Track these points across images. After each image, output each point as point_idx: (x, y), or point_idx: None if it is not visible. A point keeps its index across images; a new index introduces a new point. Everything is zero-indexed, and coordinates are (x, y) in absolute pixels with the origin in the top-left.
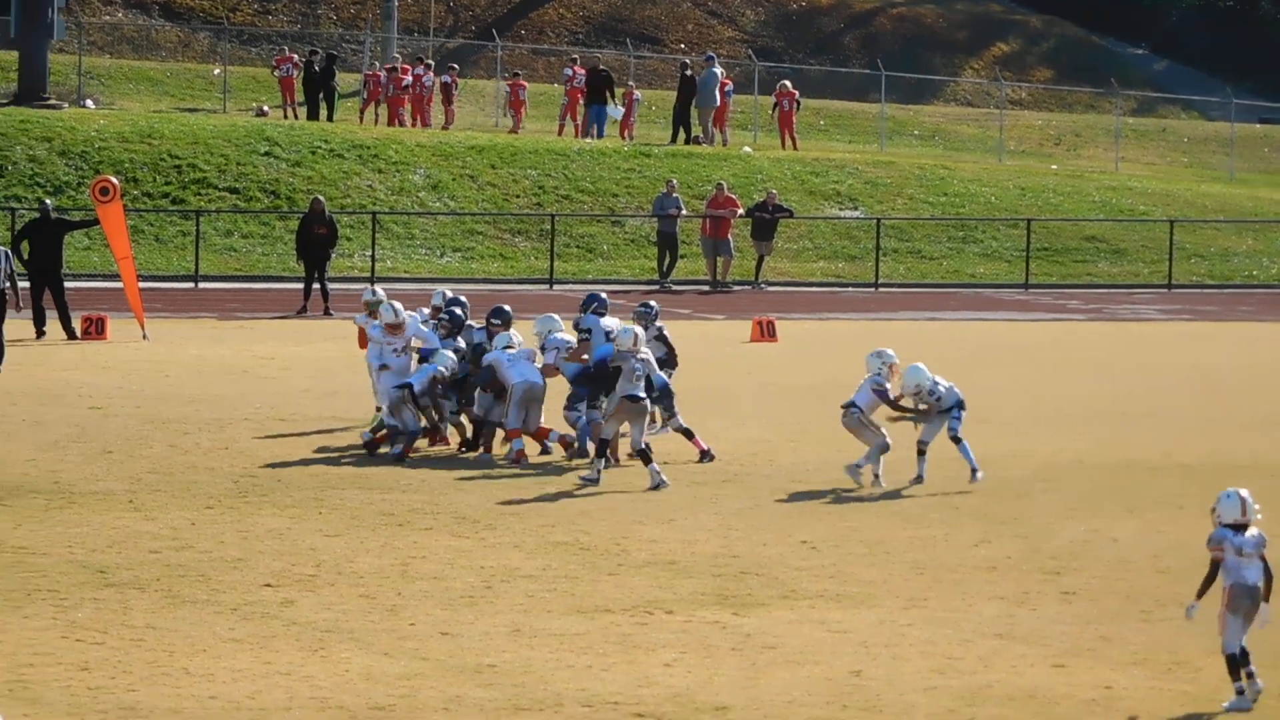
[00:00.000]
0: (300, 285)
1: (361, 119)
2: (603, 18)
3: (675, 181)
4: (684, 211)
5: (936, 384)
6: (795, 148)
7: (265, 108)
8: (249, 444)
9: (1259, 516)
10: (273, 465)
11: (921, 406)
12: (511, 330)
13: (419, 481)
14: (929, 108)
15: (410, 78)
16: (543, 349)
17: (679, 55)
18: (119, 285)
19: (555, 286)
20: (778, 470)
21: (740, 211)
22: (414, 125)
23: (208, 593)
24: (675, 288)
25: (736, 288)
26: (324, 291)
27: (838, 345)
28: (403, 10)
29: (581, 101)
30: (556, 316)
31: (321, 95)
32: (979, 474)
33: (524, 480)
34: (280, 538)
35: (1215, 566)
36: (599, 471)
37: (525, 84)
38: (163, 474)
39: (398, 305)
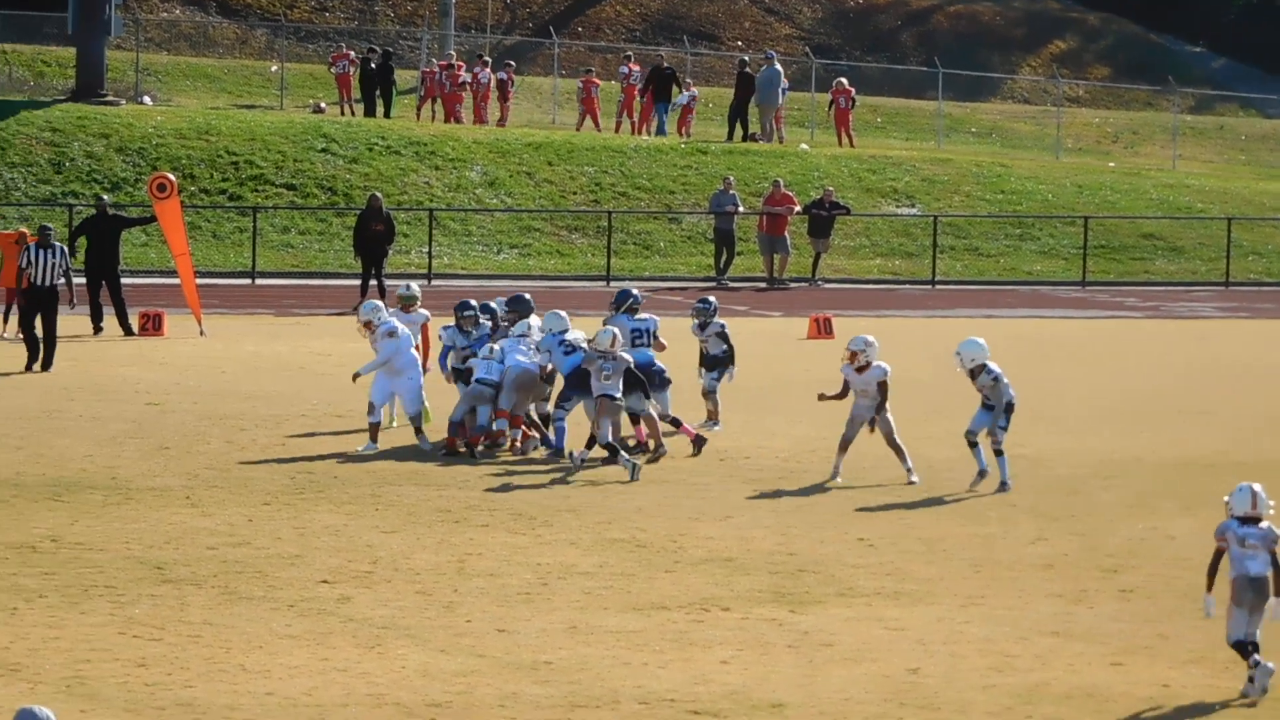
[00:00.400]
0: (357, 282)
1: (419, 116)
2: (660, 15)
3: (732, 179)
4: (741, 209)
5: (999, 375)
6: (852, 145)
7: (322, 104)
8: (305, 440)
9: (1271, 511)
10: (329, 461)
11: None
12: (530, 320)
13: (476, 478)
14: (986, 105)
15: (467, 75)
16: (537, 347)
17: (736, 53)
18: (176, 281)
19: (612, 283)
20: (828, 468)
21: (797, 209)
22: (473, 122)
23: (265, 589)
24: (732, 285)
25: (793, 285)
26: (381, 288)
27: (894, 342)
28: (460, 7)
29: (639, 98)
30: (564, 314)
31: (378, 92)
32: (1007, 485)
33: (581, 477)
34: (337, 534)
35: (1218, 556)
36: (632, 464)
37: (598, 81)
38: (220, 470)
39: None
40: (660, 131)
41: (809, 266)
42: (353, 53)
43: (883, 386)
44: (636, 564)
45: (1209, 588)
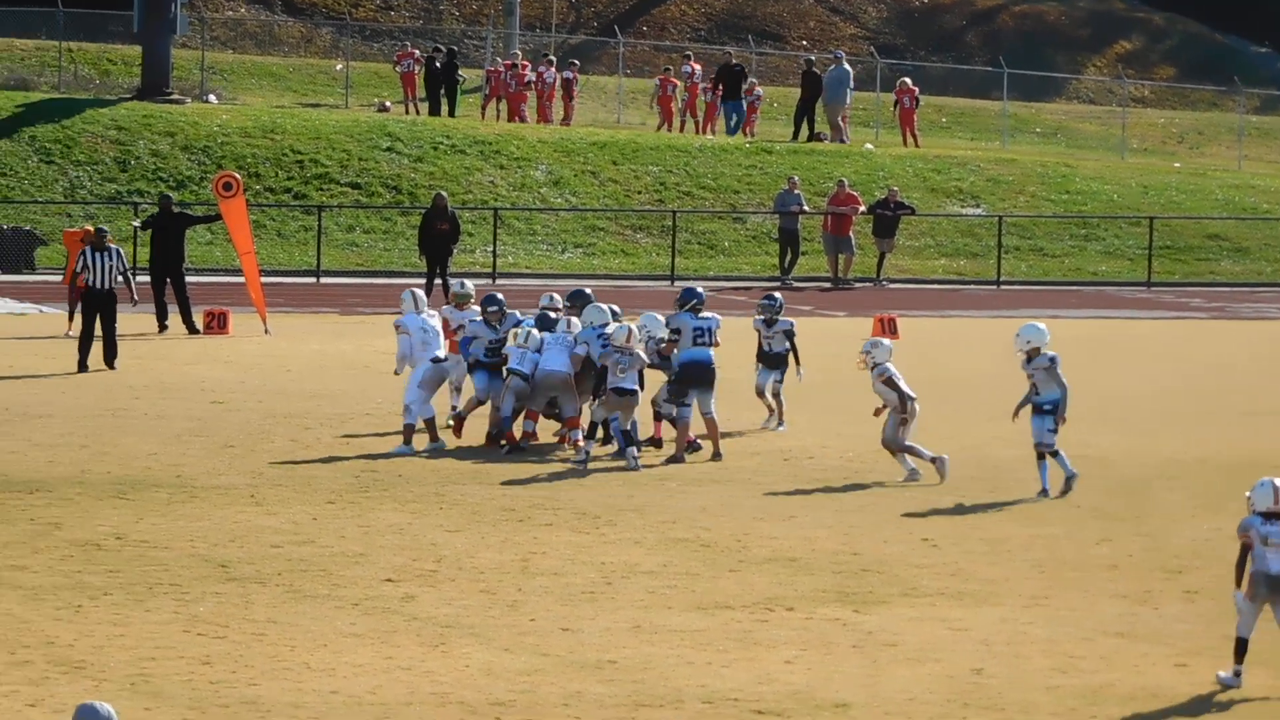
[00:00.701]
0: (422, 281)
1: (483, 115)
2: (725, 14)
3: (797, 178)
4: (805, 208)
5: (1056, 360)
6: (916, 145)
7: (387, 103)
8: (370, 439)
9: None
10: (394, 460)
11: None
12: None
13: (540, 477)
14: (1051, 105)
15: (532, 74)
16: (576, 340)
17: (801, 52)
18: (241, 280)
19: (676, 282)
20: (898, 468)
21: (862, 208)
22: (538, 121)
23: (329, 587)
24: (797, 284)
25: (858, 285)
26: (445, 287)
27: (959, 343)
28: (525, 6)
29: (703, 96)
30: (606, 308)
31: (443, 91)
32: (1046, 493)
33: (644, 476)
34: (401, 533)
35: (1244, 552)
36: (634, 457)
37: (675, 80)
38: (284, 468)
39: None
40: (731, 131)
41: (874, 266)
42: (418, 51)
43: (889, 383)
44: (700, 563)
45: (1238, 583)
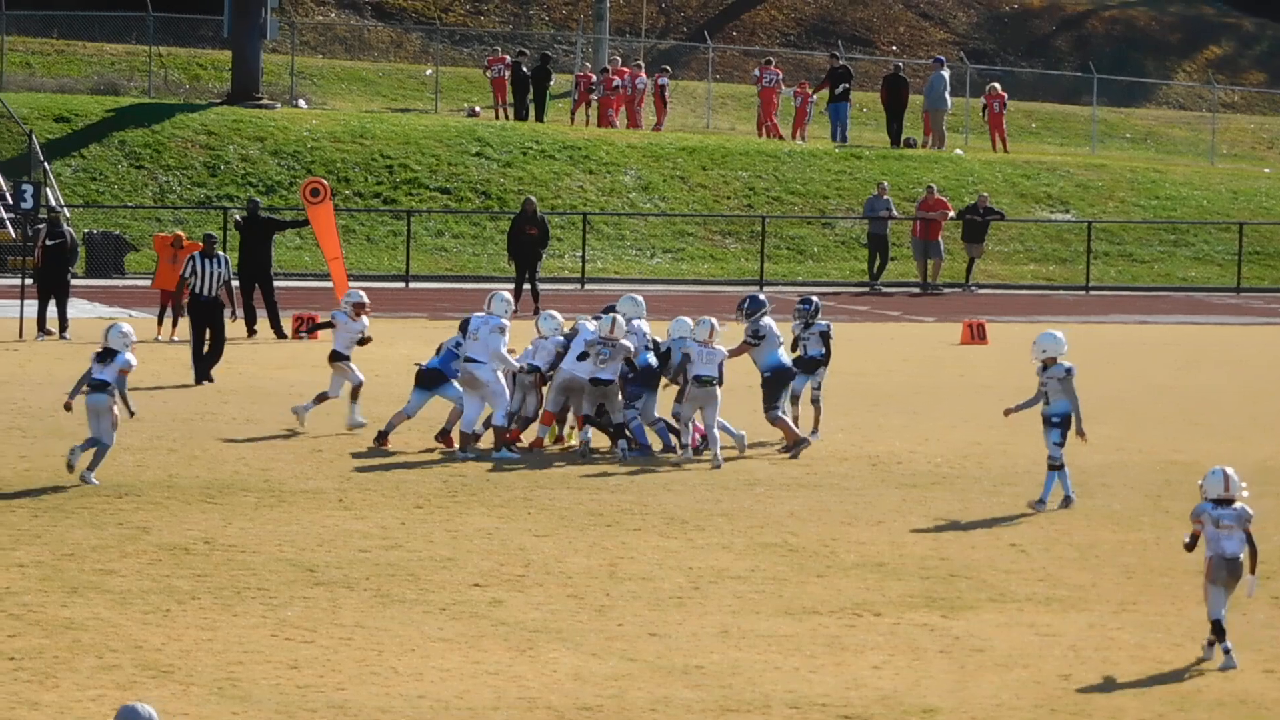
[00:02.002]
0: (511, 286)
1: (572, 120)
2: (814, 19)
3: (886, 184)
4: (895, 213)
5: (1071, 371)
6: (1005, 150)
7: (477, 108)
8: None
9: (1244, 494)
10: (482, 464)
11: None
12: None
13: (628, 482)
14: (1141, 110)
15: (622, 79)
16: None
17: (891, 57)
18: (330, 285)
19: (765, 288)
20: (987, 473)
21: (951, 214)
22: (628, 127)
23: (417, 592)
24: (886, 290)
25: (947, 290)
26: (534, 292)
27: None
28: (614, 11)
29: (792, 101)
30: (640, 298)
31: (530, 96)
32: (1043, 504)
33: (732, 481)
34: (489, 537)
35: (1194, 538)
36: (623, 452)
37: (811, 94)
38: (372, 473)
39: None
40: (840, 136)
41: (963, 272)
42: (508, 56)
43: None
44: (789, 568)
45: (1189, 547)
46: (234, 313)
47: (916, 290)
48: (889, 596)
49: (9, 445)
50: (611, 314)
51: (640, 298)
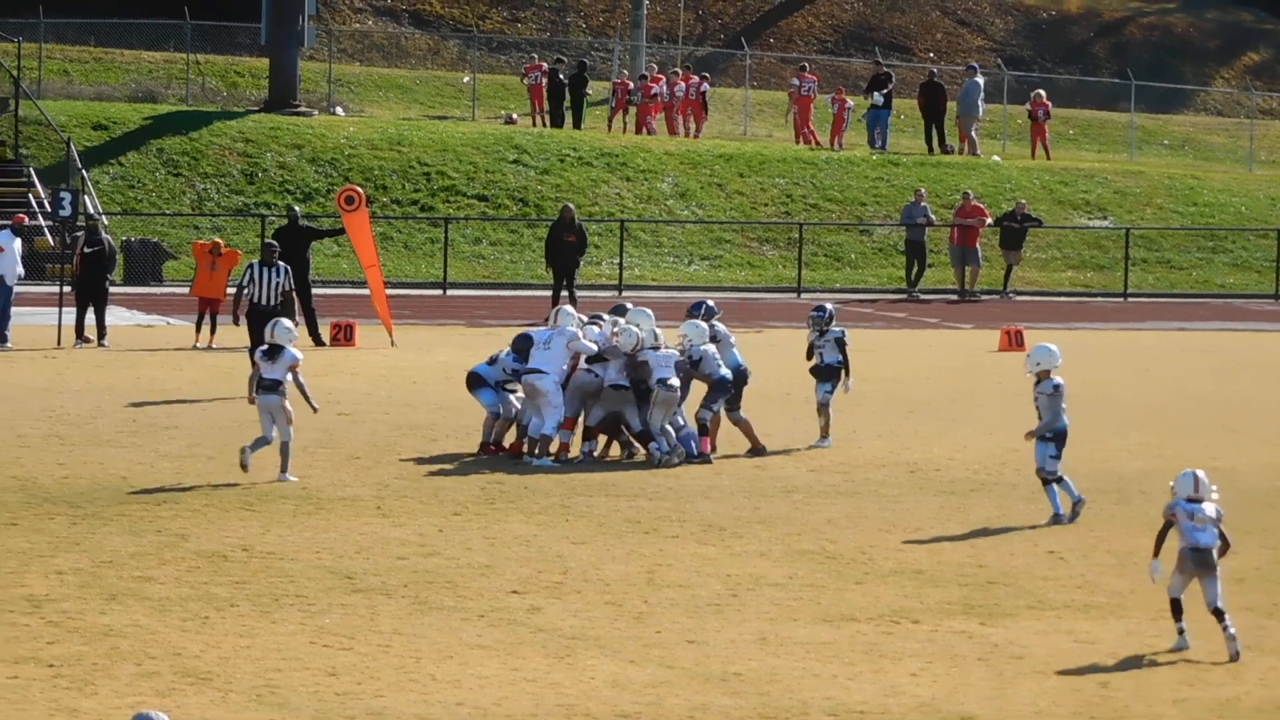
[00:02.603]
0: (548, 293)
1: (610, 127)
2: (852, 26)
3: (923, 190)
4: (932, 220)
5: (1059, 388)
6: (1047, 157)
7: (514, 115)
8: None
9: (1215, 496)
10: (519, 472)
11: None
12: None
13: (666, 489)
14: (1179, 117)
15: (660, 86)
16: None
17: (928, 64)
18: (367, 292)
19: (803, 295)
20: (1025, 480)
21: (988, 220)
22: (672, 134)
23: (455, 599)
24: (923, 297)
25: (985, 297)
26: (572, 299)
27: (1086, 355)
28: (652, 18)
29: (829, 109)
30: (648, 311)
31: (567, 104)
32: (1061, 517)
33: (770, 488)
34: (527, 544)
35: (1166, 528)
36: (659, 453)
37: (848, 101)
38: (410, 480)
39: None
40: (878, 144)
41: (1000, 279)
42: (545, 64)
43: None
44: (827, 575)
45: (1156, 554)
46: (295, 322)
47: (954, 297)
48: (927, 603)
49: (47, 453)
50: (621, 321)
51: (648, 310)
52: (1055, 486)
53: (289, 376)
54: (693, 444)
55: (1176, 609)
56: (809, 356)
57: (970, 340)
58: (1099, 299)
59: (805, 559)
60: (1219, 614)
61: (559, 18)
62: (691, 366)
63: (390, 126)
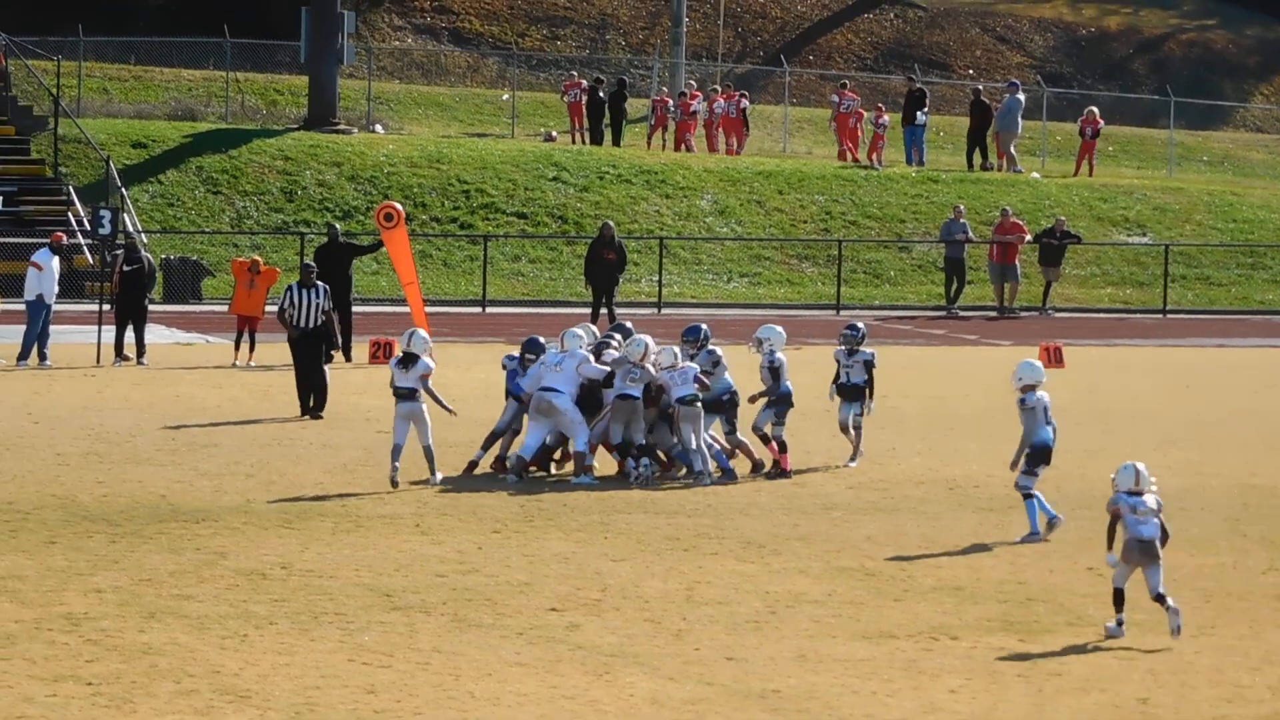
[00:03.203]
0: (588, 310)
1: (649, 144)
2: (891, 43)
3: (962, 207)
4: (971, 237)
5: (1038, 406)
6: (1091, 174)
7: (553, 133)
8: (533, 468)
9: (1154, 488)
10: (559, 489)
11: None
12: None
13: (705, 506)
14: (1218, 133)
15: (698, 103)
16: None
17: (968, 81)
18: (406, 309)
19: (842, 312)
20: (1064, 496)
21: (1028, 237)
22: (712, 151)
23: (494, 616)
24: (963, 314)
25: (1024, 313)
26: (611, 316)
27: (1125, 371)
28: (691, 36)
29: (870, 126)
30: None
31: (606, 121)
32: (1037, 534)
33: (809, 505)
34: (566, 562)
35: (1114, 521)
36: (639, 474)
37: (862, 112)
38: (449, 497)
39: None
40: (916, 160)
41: (1040, 295)
42: (585, 81)
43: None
44: (866, 592)
45: (1109, 547)
46: (335, 343)
47: (994, 314)
48: (966, 620)
49: (87, 471)
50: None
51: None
52: (1035, 503)
53: (421, 385)
54: (724, 459)
55: (1119, 598)
56: (836, 377)
57: (1009, 357)
58: (1138, 315)
59: (844, 576)
60: (1160, 599)
61: (598, 35)
62: (771, 374)
63: (430, 144)
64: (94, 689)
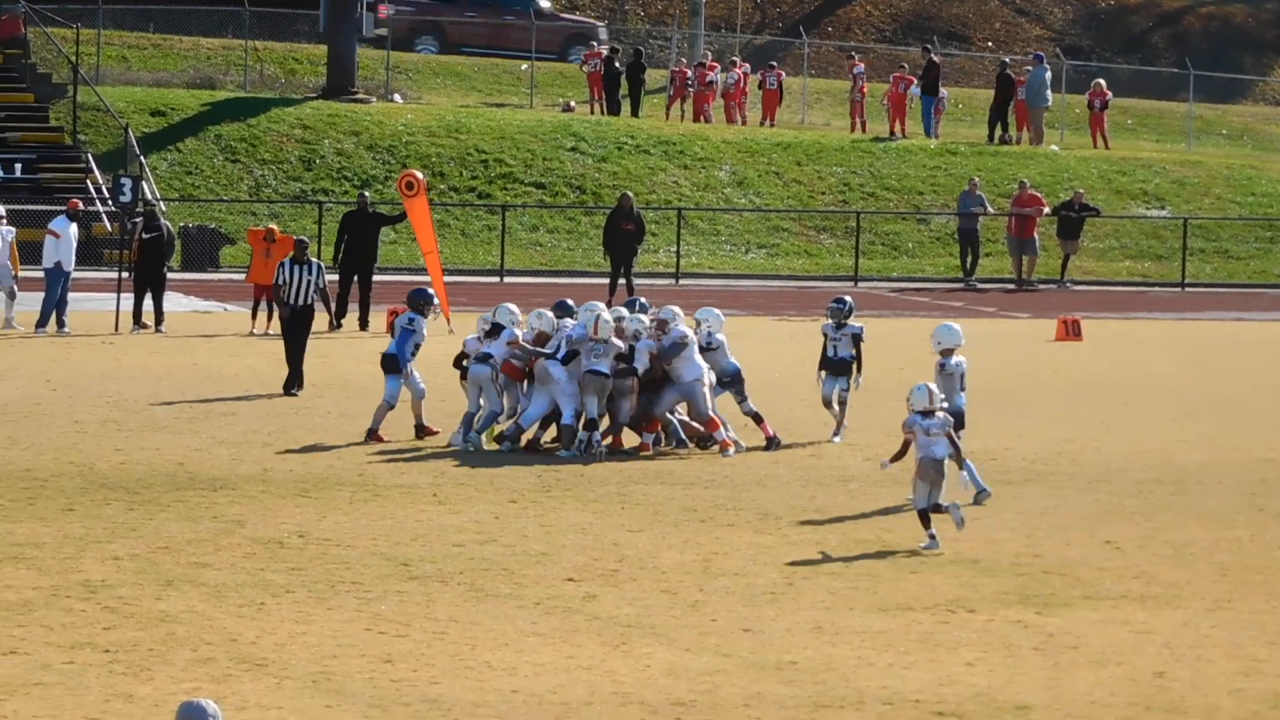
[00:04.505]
0: (605, 281)
1: (668, 115)
2: (910, 15)
3: (978, 179)
4: (989, 209)
5: (954, 372)
6: (1106, 147)
7: (572, 103)
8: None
9: (944, 406)
10: (576, 461)
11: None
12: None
13: (722, 478)
14: (1238, 107)
15: (718, 75)
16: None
17: (986, 53)
18: (425, 279)
19: (860, 284)
20: (1082, 470)
21: (1046, 210)
22: (730, 122)
23: (511, 586)
24: (980, 286)
25: (1042, 286)
26: (629, 287)
27: (1143, 345)
28: (710, 6)
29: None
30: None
31: (624, 92)
32: (987, 492)
33: (826, 477)
34: (583, 532)
35: (906, 445)
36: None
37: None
38: (466, 468)
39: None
40: (929, 132)
41: (1058, 268)
42: (604, 50)
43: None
44: (883, 564)
45: (893, 460)
46: (333, 323)
47: (1011, 287)
48: (983, 593)
49: (105, 438)
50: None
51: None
52: (971, 464)
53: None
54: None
55: (924, 518)
56: (824, 350)
57: (1027, 330)
58: (1156, 289)
59: (861, 548)
60: (938, 508)
61: (617, 5)
62: (704, 351)
63: (448, 114)
64: (111, 656)
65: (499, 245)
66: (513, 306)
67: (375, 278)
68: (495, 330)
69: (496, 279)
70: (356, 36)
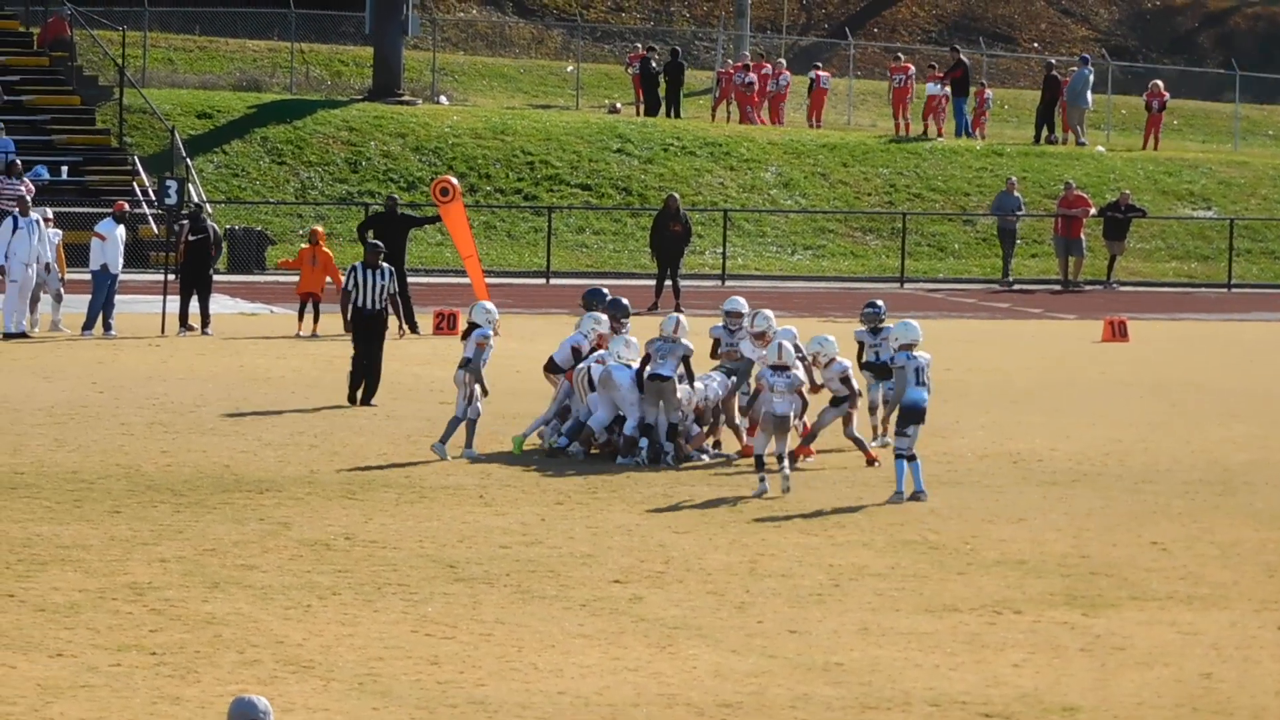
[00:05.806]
0: (652, 282)
1: (713, 116)
2: (956, 15)
3: (1015, 180)
4: (1023, 211)
5: (910, 367)
6: (1156, 147)
7: (618, 105)
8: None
9: (798, 363)
10: (623, 463)
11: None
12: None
13: (769, 479)
14: None
15: (755, 76)
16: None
17: (1032, 54)
18: (469, 282)
19: (906, 285)
20: (1129, 470)
21: (1092, 210)
22: (775, 123)
23: (557, 588)
24: (1028, 287)
25: (1088, 287)
26: (675, 289)
27: (1190, 346)
28: (755, 8)
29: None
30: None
31: (662, 92)
32: (900, 495)
33: (873, 478)
34: (630, 534)
35: (756, 394)
36: (664, 453)
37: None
38: (513, 469)
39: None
40: (963, 131)
41: (1104, 269)
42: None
43: (845, 381)
44: (929, 565)
45: (743, 413)
46: (402, 330)
47: (1058, 287)
48: (1029, 594)
49: (151, 440)
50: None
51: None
52: (905, 464)
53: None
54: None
55: (759, 463)
56: (860, 354)
57: (1074, 331)
58: (1203, 290)
59: (907, 549)
60: (780, 459)
61: (663, 6)
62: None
63: (494, 115)
64: (158, 659)
65: (545, 247)
66: (489, 305)
67: (420, 280)
68: (469, 330)
69: (543, 280)
70: (402, 38)
